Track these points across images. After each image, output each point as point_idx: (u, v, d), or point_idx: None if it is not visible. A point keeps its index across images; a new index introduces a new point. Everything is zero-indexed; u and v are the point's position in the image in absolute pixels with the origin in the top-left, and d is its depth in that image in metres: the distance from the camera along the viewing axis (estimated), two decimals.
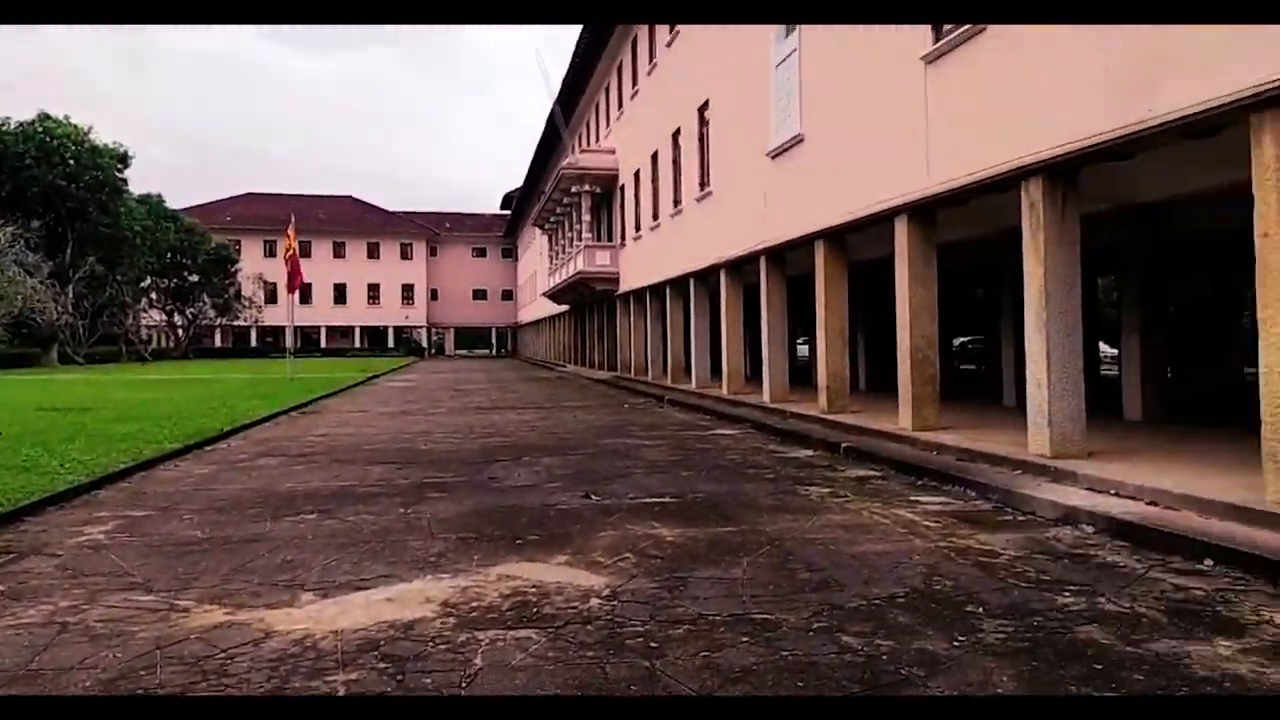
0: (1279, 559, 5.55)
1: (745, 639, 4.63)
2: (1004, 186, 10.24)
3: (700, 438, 14.31)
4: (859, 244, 15.86)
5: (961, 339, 38.90)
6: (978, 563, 6.14)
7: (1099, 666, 4.21)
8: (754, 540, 6.85)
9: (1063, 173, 9.25)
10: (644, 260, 29.94)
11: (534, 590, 5.57)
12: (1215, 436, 10.96)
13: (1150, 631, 4.70)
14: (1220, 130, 7.41)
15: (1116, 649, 4.44)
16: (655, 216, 28.75)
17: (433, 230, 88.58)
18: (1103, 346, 25.98)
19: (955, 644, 4.55)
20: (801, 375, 25.22)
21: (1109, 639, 4.59)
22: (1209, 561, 5.96)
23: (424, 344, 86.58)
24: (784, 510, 8.07)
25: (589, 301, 41.00)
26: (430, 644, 4.64)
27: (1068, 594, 5.38)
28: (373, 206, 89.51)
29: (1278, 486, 6.51)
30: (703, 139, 23.26)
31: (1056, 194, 9.26)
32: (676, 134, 25.81)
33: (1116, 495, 7.69)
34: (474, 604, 5.30)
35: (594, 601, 5.31)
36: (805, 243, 15.95)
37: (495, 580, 5.81)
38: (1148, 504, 7.32)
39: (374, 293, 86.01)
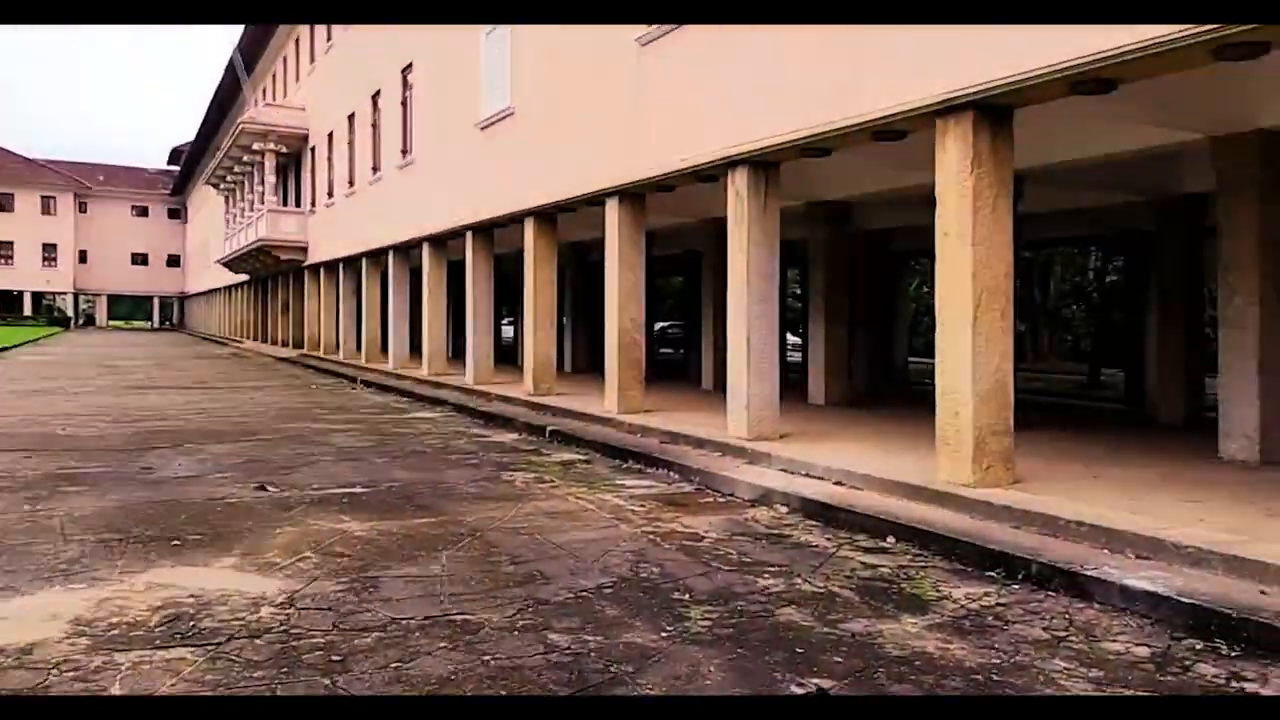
0: (952, 536, 6.03)
1: (443, 644, 4.26)
2: (713, 175, 10.54)
3: (397, 421, 13.63)
4: (570, 224, 15.84)
5: (662, 324, 40.52)
6: (683, 547, 6.17)
7: (801, 650, 4.27)
8: (454, 532, 6.47)
9: (767, 165, 9.64)
10: (338, 229, 28.27)
11: (191, 601, 4.84)
12: (893, 421, 12.02)
13: (845, 611, 4.88)
14: (907, 135, 7.99)
15: (816, 631, 4.55)
16: (351, 183, 27.23)
17: (83, 183, 78.31)
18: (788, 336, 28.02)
19: (664, 634, 4.46)
20: (508, 356, 25.00)
21: (808, 620, 4.71)
22: (891, 539, 6.37)
23: (70, 313, 76.80)
24: (487, 498, 7.75)
25: (273, 272, 38.19)
26: (53, 672, 3.85)
27: (768, 575, 5.51)
28: (7, 151, 77.59)
29: (949, 468, 7.12)
30: (405, 103, 22.27)
31: (761, 186, 9.63)
32: (376, 96, 24.54)
33: (808, 476, 8.12)
34: (114, 620, 4.50)
35: (266, 611, 4.69)
36: (515, 220, 15.67)
37: (143, 590, 5.00)
38: (835, 484, 7.78)
39: (5, 251, 74.88)
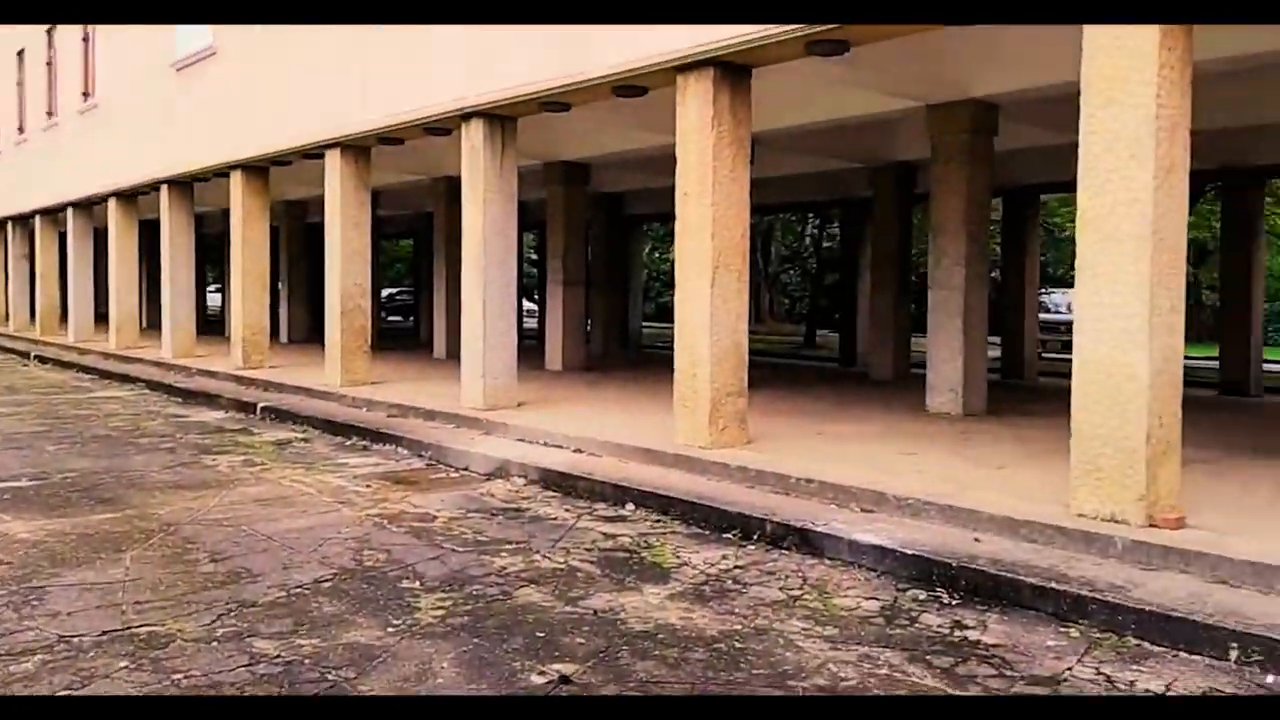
0: (690, 499, 6.04)
1: (124, 664, 3.66)
2: (446, 129, 10.01)
3: (78, 402, 12.08)
4: (286, 179, 14.67)
5: (390, 290, 39.04)
6: (413, 529, 5.78)
7: (542, 635, 4.05)
8: (143, 528, 5.69)
9: (505, 119, 9.27)
10: (5, 183, 24.75)
11: None
12: (630, 385, 12.11)
13: (586, 587, 4.72)
14: (648, 90, 7.90)
15: (557, 611, 4.35)
16: (21, 130, 23.87)
17: None
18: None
19: (390, 630, 4.09)
20: (217, 327, 23.04)
21: (549, 599, 4.50)
22: (631, 506, 6.31)
23: None
24: (184, 487, 6.94)
25: None
26: None
27: (505, 554, 5.25)
28: None
29: (686, 431, 7.16)
30: (88, 39, 19.71)
31: (497, 140, 9.25)
32: (51, 30, 21.57)
33: (546, 445, 7.93)
34: None
35: None
36: (220, 173, 14.28)
37: None
38: (574, 452, 7.64)
39: None
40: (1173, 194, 4.99)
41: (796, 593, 4.67)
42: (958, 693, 3.48)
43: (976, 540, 5.13)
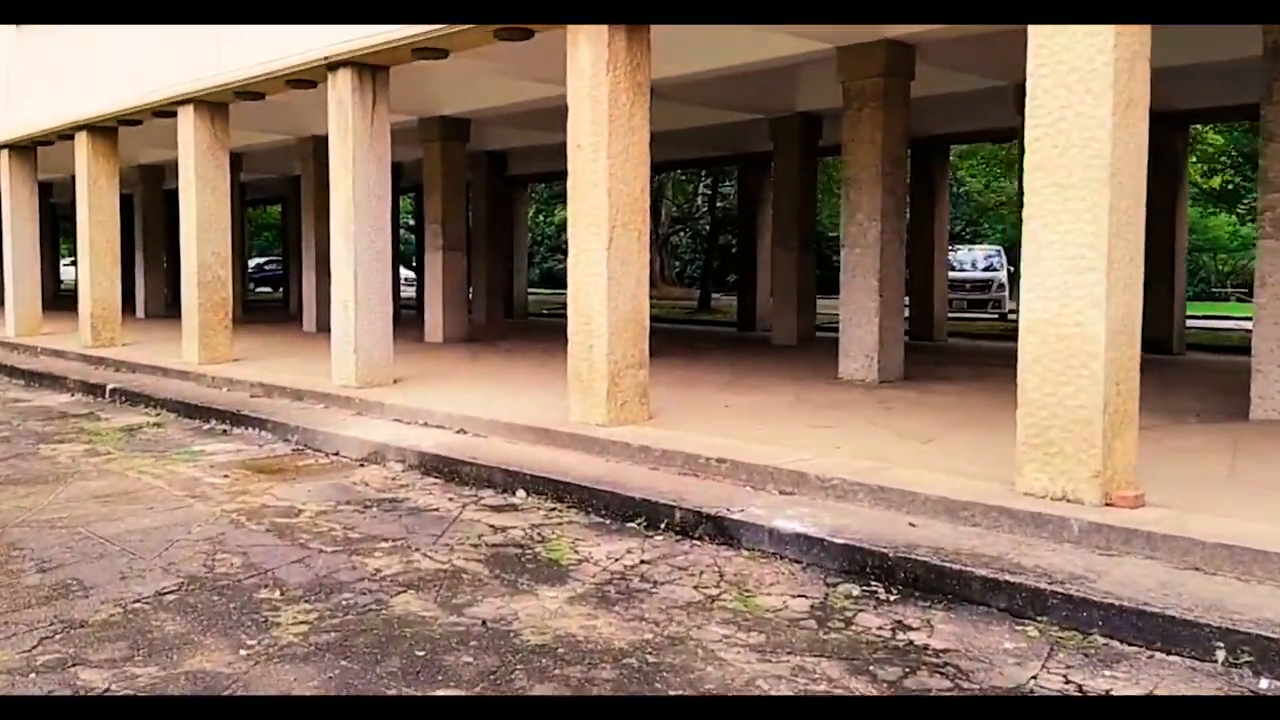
0: (588, 485, 5.49)
1: None
2: (311, 80, 9.12)
3: None
4: (139, 142, 13.44)
5: (259, 259, 37.20)
6: (275, 526, 5.08)
7: (422, 653, 3.46)
8: None
9: (376, 69, 8.45)
10: None
11: None
12: (518, 356, 11.46)
13: (473, 591, 4.14)
14: (534, 34, 7.23)
15: (440, 623, 3.76)
16: None
17: None
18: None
19: (244, 652, 3.45)
20: (71, 302, 21.29)
21: (430, 609, 3.91)
22: (522, 493, 5.74)
23: None
24: (15, 482, 6.08)
25: None
26: None
27: (380, 553, 4.62)
28: None
29: (582, 407, 6.60)
30: None
31: (368, 93, 8.43)
32: None
33: (426, 425, 7.27)
34: None
35: None
36: (66, 135, 12.95)
37: None
38: (458, 433, 7.01)
39: None
40: (1132, 132, 4.61)
41: (714, 591, 4.19)
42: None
43: (912, 525, 4.73)
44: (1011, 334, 16.57)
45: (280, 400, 8.59)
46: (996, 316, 21.89)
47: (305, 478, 6.29)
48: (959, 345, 13.51)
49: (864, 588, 4.21)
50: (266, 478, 6.25)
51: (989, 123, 13.02)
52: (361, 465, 6.65)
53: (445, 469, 6.20)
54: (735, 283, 21.82)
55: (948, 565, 4.12)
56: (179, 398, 8.86)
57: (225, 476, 6.26)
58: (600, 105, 6.36)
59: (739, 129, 13.98)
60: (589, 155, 6.43)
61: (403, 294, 22.96)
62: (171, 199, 18.26)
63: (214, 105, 10.35)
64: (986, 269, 23.67)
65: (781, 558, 4.59)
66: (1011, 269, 28.33)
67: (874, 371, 8.90)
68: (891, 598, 4.10)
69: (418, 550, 4.69)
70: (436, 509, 5.48)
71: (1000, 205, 28.24)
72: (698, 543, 4.86)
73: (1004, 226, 29.82)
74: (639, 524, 5.13)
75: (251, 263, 36.66)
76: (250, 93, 9.71)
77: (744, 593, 4.17)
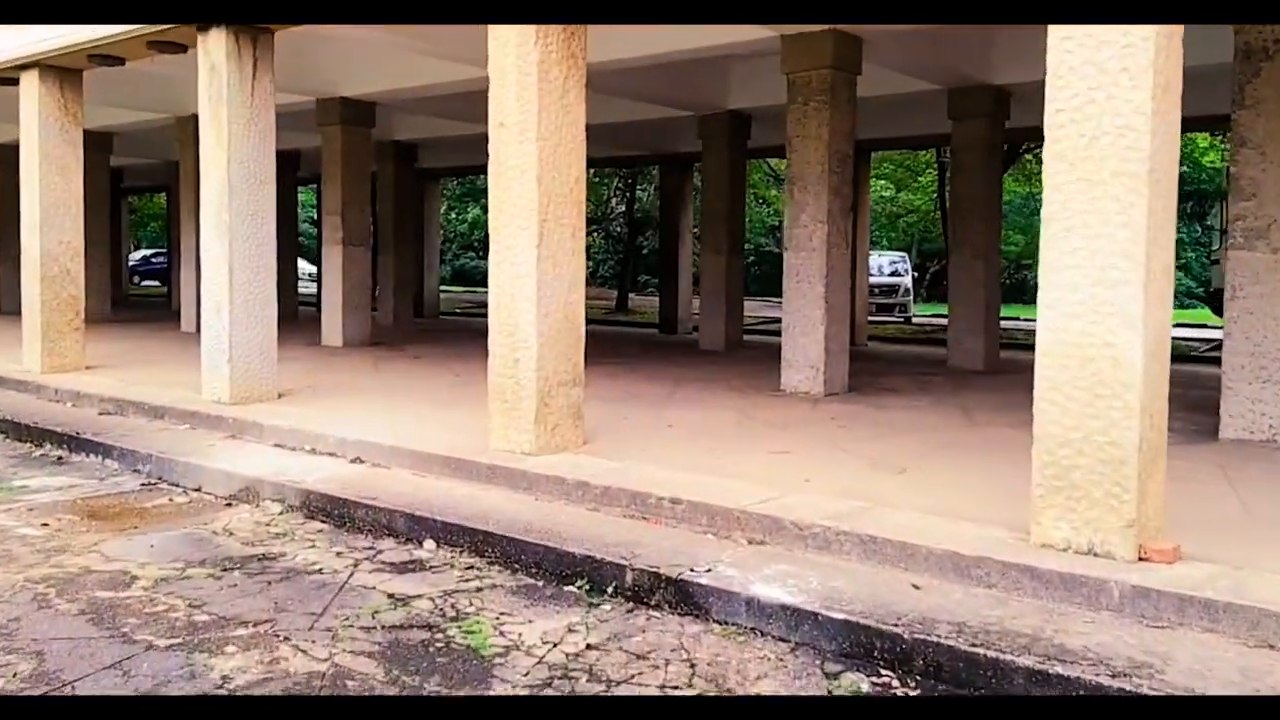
0: (514, 535, 4.38)
1: None
2: (180, 43, 7.76)
3: None
4: None
5: (146, 251, 34.87)
6: (94, 605, 3.83)
7: None
8: None
9: (258, 30, 7.16)
10: None
11: None
12: (428, 366, 10.23)
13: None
14: None
15: None
16: None
17: None
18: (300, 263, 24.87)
19: None
20: None
21: None
22: (431, 544, 4.60)
23: None
24: None
25: None
26: None
27: (234, 646, 3.44)
28: None
29: (505, 433, 5.48)
30: None
31: (247, 58, 7.13)
32: None
33: (314, 452, 6.05)
34: None
35: None
36: None
37: None
38: (352, 462, 5.81)
39: None
40: (1168, 121, 3.75)
41: (685, 687, 3.14)
42: None
43: (916, 588, 3.77)
44: (919, 338, 16.48)
45: (135, 419, 7.22)
46: (903, 320, 22.13)
47: (152, 525, 5.02)
48: (881, 350, 12.86)
49: (874, 679, 3.24)
50: (100, 526, 4.95)
51: (914, 129, 12.41)
52: (229, 505, 5.40)
53: (335, 511, 5.01)
54: (656, 284, 20.96)
55: (979, 652, 3.17)
56: (9, 414, 7.41)
57: (45, 525, 4.94)
58: (528, 77, 5.24)
59: (664, 126, 13.04)
60: (514, 136, 5.31)
61: (306, 291, 21.38)
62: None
63: (63, 71, 8.87)
64: (892, 274, 24.01)
65: (764, 634, 3.58)
66: (915, 274, 28.46)
67: (819, 383, 7.99)
68: (911, 691, 3.12)
69: (288, 640, 3.51)
70: (319, 570, 4.30)
71: (906, 214, 27.95)
72: (656, 614, 3.81)
73: (894, 234, 29.75)
74: (580, 587, 4.05)
75: (137, 255, 34.33)
76: (107, 56, 8.27)
77: (722, 688, 3.14)
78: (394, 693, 3.09)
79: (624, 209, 25.95)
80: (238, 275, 7.12)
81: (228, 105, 7.04)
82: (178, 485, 5.79)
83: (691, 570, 3.91)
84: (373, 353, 11.06)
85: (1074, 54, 3.72)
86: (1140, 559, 3.71)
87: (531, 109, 5.20)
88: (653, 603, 3.87)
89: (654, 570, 3.93)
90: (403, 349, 11.66)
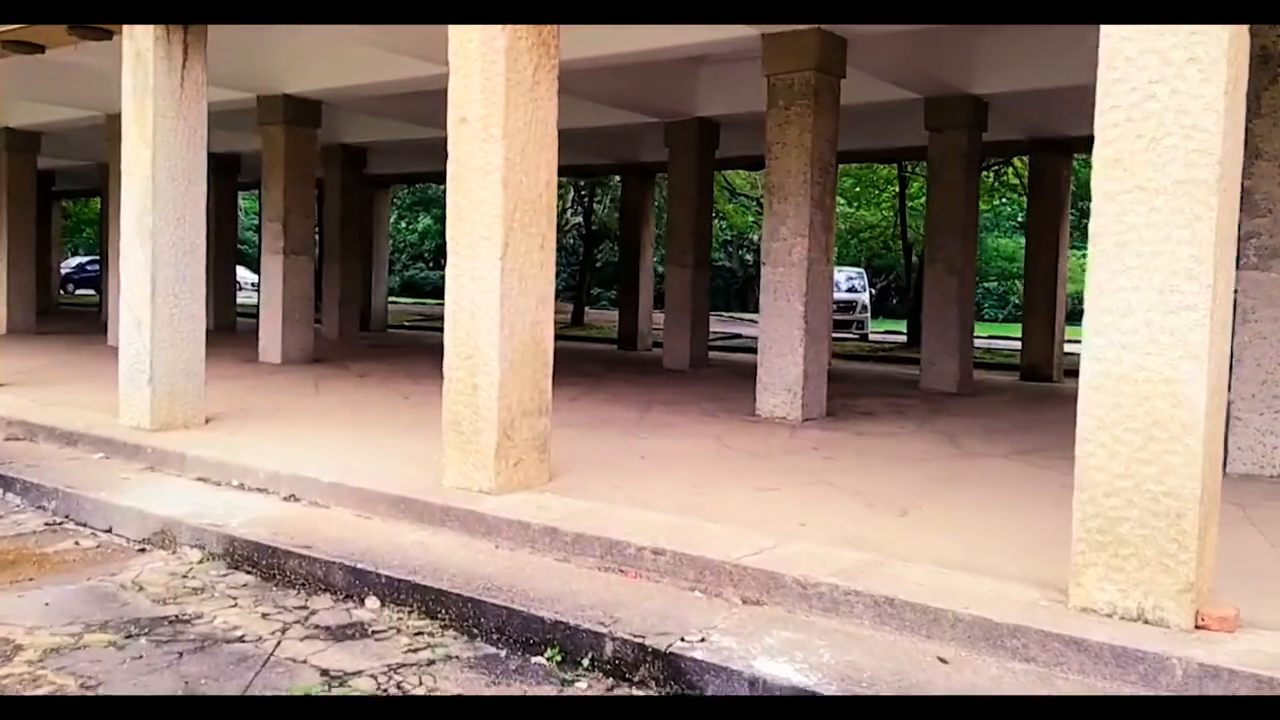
0: (470, 594, 3.77)
1: None
2: (105, 29, 7.06)
3: None
4: None
5: (82, 259, 33.56)
6: None
7: None
8: None
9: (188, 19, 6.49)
10: None
11: None
12: (377, 383, 9.54)
13: None
14: None
15: None
16: None
17: None
18: (243, 273, 23.93)
19: None
20: None
21: None
22: (374, 602, 3.97)
23: None
24: None
25: None
26: None
27: None
28: None
29: (461, 468, 4.86)
30: None
31: (176, 46, 6.44)
32: None
33: (243, 488, 5.37)
34: None
35: None
36: None
37: None
38: (286, 499, 5.15)
39: None
40: (1238, 121, 3.29)
41: None
42: None
43: (943, 662, 3.24)
44: (879, 356, 16.09)
45: (45, 445, 6.46)
46: (859, 337, 21.82)
47: (50, 576, 4.32)
48: (846, 369, 12.41)
49: None
50: None
51: (884, 140, 12.04)
52: (142, 551, 4.71)
53: (262, 561, 4.35)
54: (611, 298, 20.41)
55: None
56: None
57: None
58: (495, 66, 4.65)
59: (627, 134, 12.52)
60: (478, 133, 4.71)
61: (247, 301, 20.44)
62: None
63: None
64: (849, 290, 23.81)
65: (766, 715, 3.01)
66: (873, 291, 28.31)
67: (796, 408, 7.47)
68: None
69: None
70: (241, 637, 3.64)
71: (864, 229, 27.67)
72: (638, 689, 3.23)
73: (848, 250, 29.56)
74: (551, 659, 3.46)
75: (73, 262, 32.96)
76: (21, 42, 7.51)
77: None
78: None
79: (580, 220, 25.35)
80: (161, 286, 6.41)
81: (154, 95, 6.34)
82: (86, 525, 5.09)
83: (682, 640, 3.34)
84: (314, 371, 10.33)
85: (1133, 41, 3.23)
86: (1197, 626, 3.23)
87: (498, 102, 4.61)
88: (636, 679, 3.30)
89: (638, 640, 3.35)
90: (347, 366, 10.94)
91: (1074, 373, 11.99)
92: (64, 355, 11.36)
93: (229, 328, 16.66)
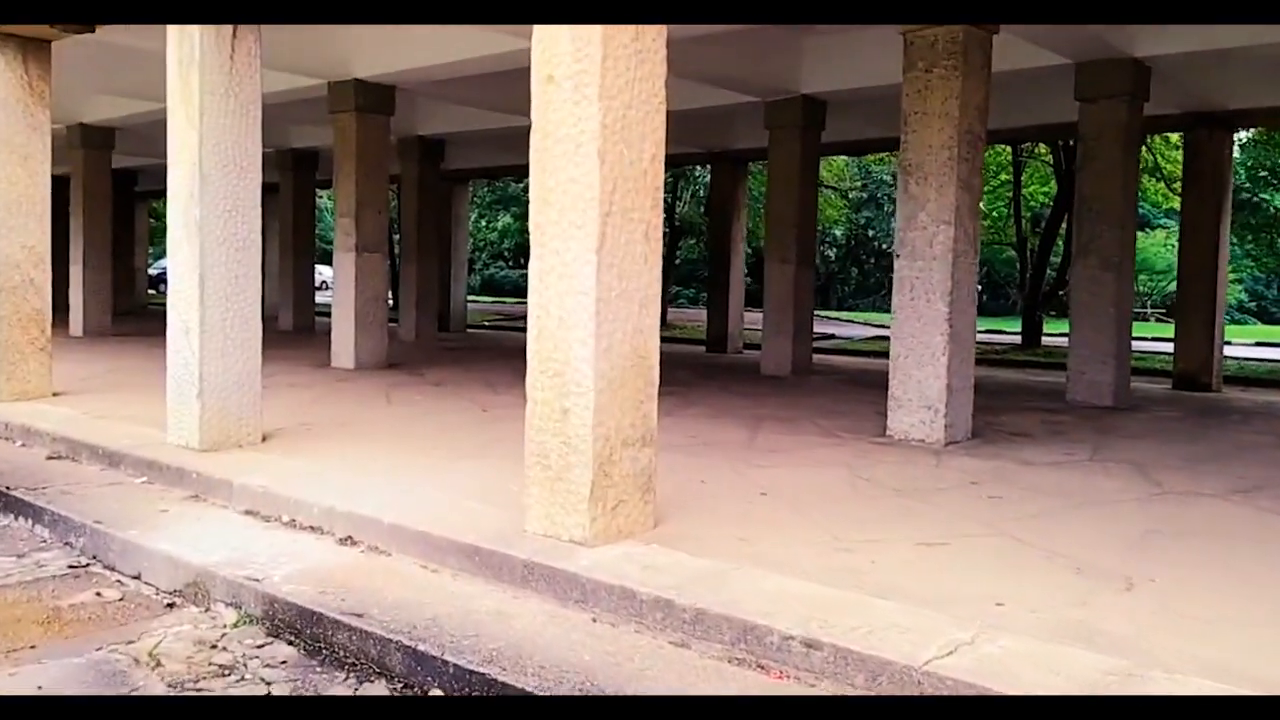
0: (561, 693, 2.83)
1: None
2: None
3: None
4: None
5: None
6: None
7: None
8: None
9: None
10: None
11: None
12: (455, 392, 8.73)
13: None
14: None
15: None
16: None
17: None
18: (322, 270, 23.49)
19: None
20: None
21: None
22: (438, 693, 3.06)
23: None
24: None
25: None
26: None
27: None
28: None
29: (547, 511, 3.94)
30: None
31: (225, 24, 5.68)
32: None
33: (293, 525, 4.54)
34: None
35: None
36: None
37: None
38: (341, 542, 4.30)
39: None
40: None
41: None
42: None
43: None
44: (989, 359, 14.57)
45: (87, 466, 5.75)
46: None
47: (55, 642, 3.52)
48: (977, 377, 11.17)
49: None
50: None
51: (1026, 118, 10.76)
52: (170, 606, 3.90)
53: (307, 630, 3.49)
54: (695, 297, 19.58)
55: None
56: None
57: None
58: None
59: (718, 118, 11.47)
60: (568, 94, 3.77)
61: (325, 300, 19.99)
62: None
63: (29, 41, 7.48)
64: None
65: None
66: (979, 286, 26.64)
67: (939, 429, 6.36)
68: None
69: None
70: None
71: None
72: None
73: None
74: None
75: (163, 263, 33.23)
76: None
77: None
78: None
79: (664, 215, 24.49)
80: (211, 286, 5.64)
81: (200, 70, 5.57)
82: (113, 570, 4.31)
83: None
84: (387, 378, 9.56)
85: None
86: None
87: (593, 54, 3.66)
88: None
89: None
90: (422, 372, 10.16)
91: (1233, 380, 10.64)
92: (131, 360, 10.85)
93: (308, 329, 16.16)
